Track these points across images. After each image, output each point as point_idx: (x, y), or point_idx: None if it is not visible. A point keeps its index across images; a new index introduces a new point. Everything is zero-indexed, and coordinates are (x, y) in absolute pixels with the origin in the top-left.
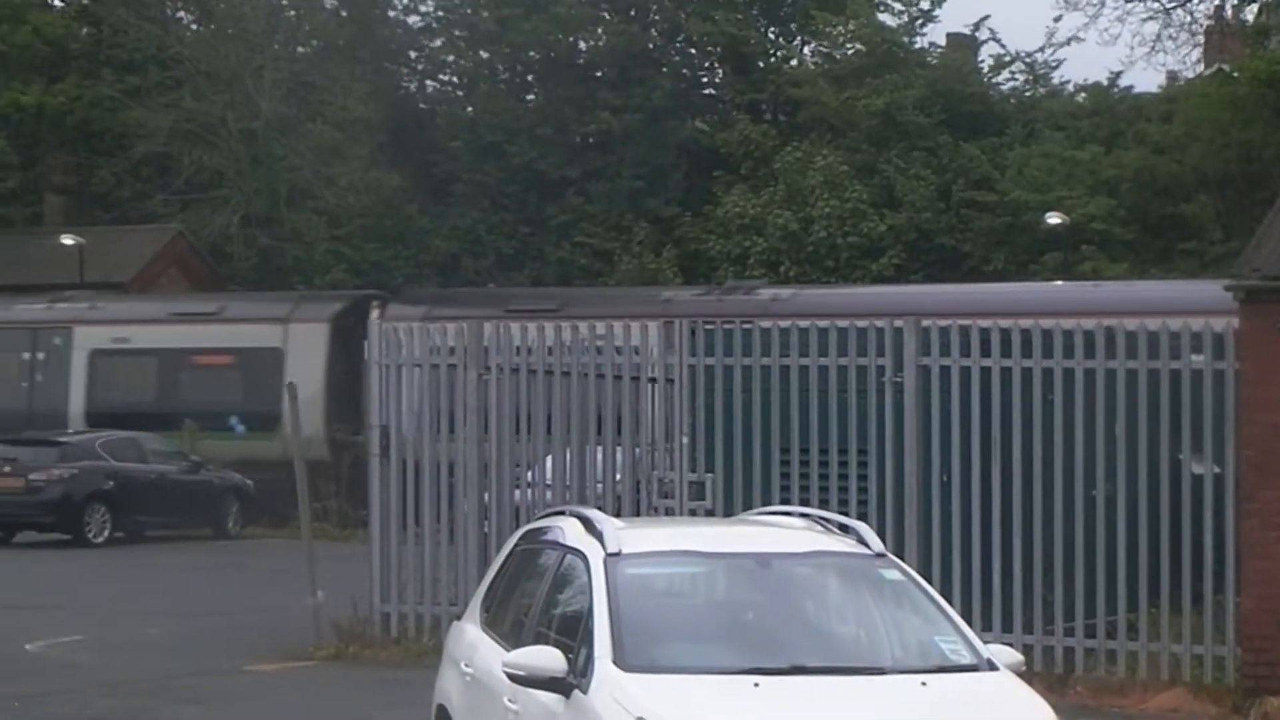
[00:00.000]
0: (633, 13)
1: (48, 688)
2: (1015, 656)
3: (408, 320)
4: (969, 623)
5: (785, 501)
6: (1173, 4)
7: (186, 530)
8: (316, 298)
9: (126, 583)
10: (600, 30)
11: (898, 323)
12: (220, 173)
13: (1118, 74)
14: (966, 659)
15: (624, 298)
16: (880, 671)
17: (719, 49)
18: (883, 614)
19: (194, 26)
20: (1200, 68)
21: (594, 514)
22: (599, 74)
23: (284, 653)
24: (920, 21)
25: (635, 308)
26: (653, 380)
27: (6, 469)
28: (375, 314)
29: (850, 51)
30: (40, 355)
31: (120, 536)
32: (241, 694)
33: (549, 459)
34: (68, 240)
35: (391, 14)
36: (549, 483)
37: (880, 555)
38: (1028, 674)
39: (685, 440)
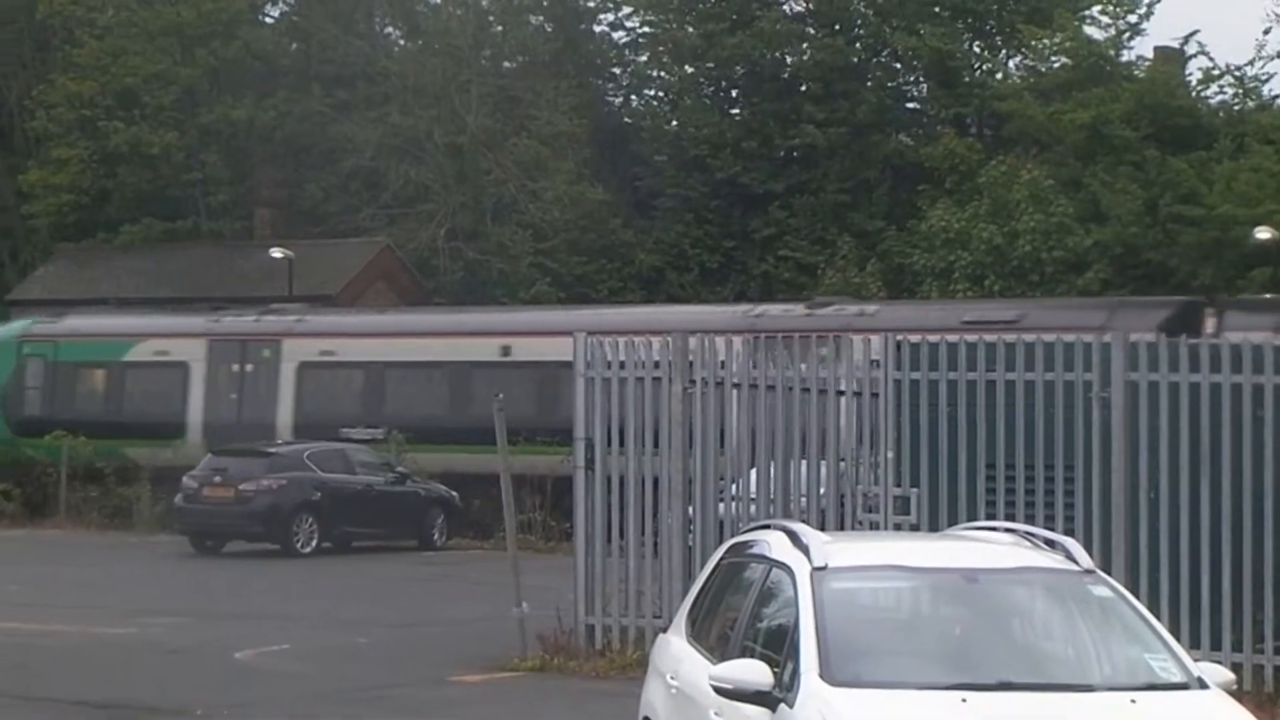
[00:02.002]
0: (837, 27)
1: (256, 696)
2: (1226, 675)
3: (1254, 330)
4: (1177, 640)
5: (990, 517)
6: None
7: (392, 541)
8: (1139, 304)
9: (333, 593)
10: (805, 45)
11: (1105, 337)
12: (426, 187)
13: None
14: (1177, 677)
15: None
16: (1089, 689)
17: (924, 63)
18: (1091, 631)
19: (401, 42)
20: None
21: (800, 528)
22: (804, 88)
23: (489, 664)
24: (1128, 35)
25: None
26: (857, 394)
27: (217, 479)
28: (1211, 322)
29: (1057, 65)
30: None
31: (327, 547)
32: (447, 704)
33: (753, 472)
34: (277, 253)
35: (597, 29)
36: (753, 496)
37: (1089, 571)
38: (1236, 693)
39: (890, 454)
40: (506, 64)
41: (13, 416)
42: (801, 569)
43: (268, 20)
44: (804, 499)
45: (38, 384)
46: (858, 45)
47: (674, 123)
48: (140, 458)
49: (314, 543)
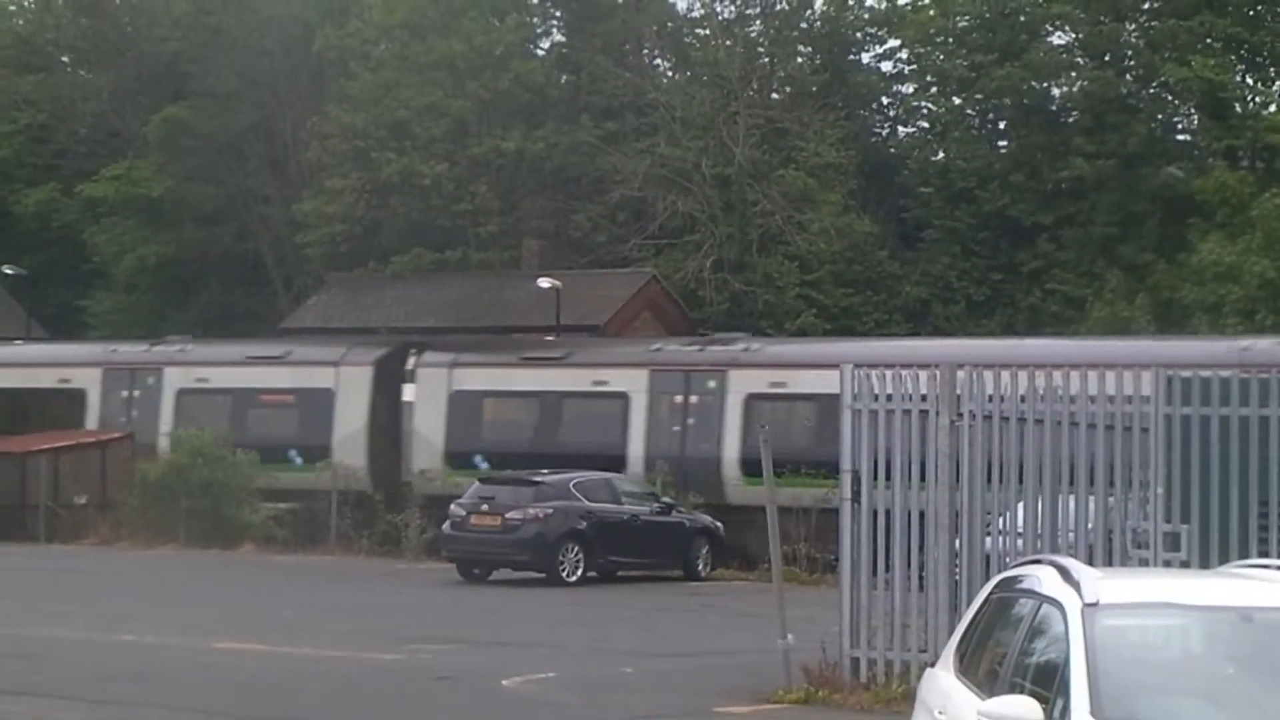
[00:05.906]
0: (1107, 58)
1: None
2: None
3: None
4: None
5: (1264, 554)
6: None
7: (657, 571)
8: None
9: (598, 622)
10: (1074, 75)
11: None
12: (693, 218)
13: None
14: None
15: None
16: None
17: (1195, 94)
18: None
19: (670, 73)
20: None
21: (1071, 563)
22: (1072, 120)
23: (754, 695)
24: None
25: None
26: (1128, 429)
27: (484, 508)
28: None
29: None
30: None
31: (592, 576)
32: None
33: (1020, 506)
34: (545, 283)
35: (865, 60)
36: (1020, 531)
37: None
38: None
39: (1160, 490)
40: (774, 95)
41: None
42: (1072, 605)
43: (538, 52)
44: (1071, 534)
45: None
46: (1128, 76)
47: (941, 154)
48: None
49: (579, 571)
